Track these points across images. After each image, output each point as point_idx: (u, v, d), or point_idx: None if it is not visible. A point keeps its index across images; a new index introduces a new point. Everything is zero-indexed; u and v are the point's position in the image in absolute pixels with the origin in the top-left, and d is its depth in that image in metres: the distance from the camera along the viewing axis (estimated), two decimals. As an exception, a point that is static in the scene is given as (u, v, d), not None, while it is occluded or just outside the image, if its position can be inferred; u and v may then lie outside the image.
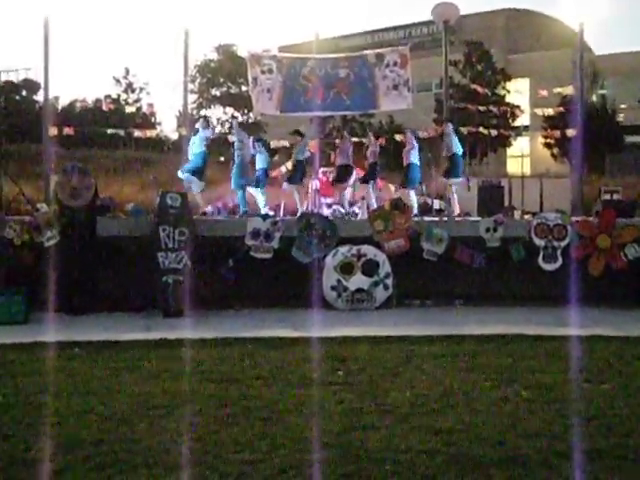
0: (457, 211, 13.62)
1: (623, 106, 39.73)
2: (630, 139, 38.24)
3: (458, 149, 13.68)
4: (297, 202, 13.76)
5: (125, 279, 11.35)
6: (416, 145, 14.03)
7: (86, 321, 10.23)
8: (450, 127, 13.90)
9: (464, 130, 16.22)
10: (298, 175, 13.78)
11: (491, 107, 26.43)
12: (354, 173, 14.37)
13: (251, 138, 14.06)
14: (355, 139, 18.54)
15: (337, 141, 14.72)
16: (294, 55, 15.99)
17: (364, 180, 14.39)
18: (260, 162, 13.76)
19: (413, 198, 13.83)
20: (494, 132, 20.40)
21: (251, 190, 13.69)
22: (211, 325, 9.85)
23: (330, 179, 14.54)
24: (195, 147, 13.23)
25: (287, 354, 7.86)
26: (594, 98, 38.66)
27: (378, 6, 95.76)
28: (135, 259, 11.23)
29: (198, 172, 13.15)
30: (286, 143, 14.39)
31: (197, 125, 13.43)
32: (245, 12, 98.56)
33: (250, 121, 44.50)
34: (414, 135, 14.41)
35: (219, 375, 6.86)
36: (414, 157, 13.83)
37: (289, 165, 15.54)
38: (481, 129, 18.26)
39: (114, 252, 11.30)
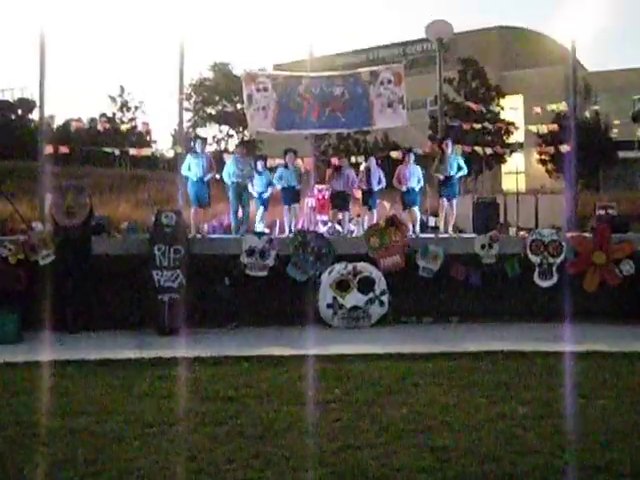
0: (442, 228, 13.54)
1: (616, 122, 40.01)
2: (623, 154, 38.46)
3: (454, 170, 13.59)
4: (285, 221, 13.71)
5: (120, 297, 11.33)
6: (415, 167, 13.86)
7: (81, 340, 10.18)
8: (450, 146, 13.78)
9: (459, 148, 16.16)
10: (285, 199, 13.72)
11: (485, 124, 26.50)
12: (351, 201, 14.27)
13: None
14: (351, 158, 18.57)
15: (336, 161, 14.55)
16: (289, 73, 16.03)
17: (367, 204, 14.17)
18: (261, 184, 13.69)
19: (417, 215, 13.73)
20: (489, 150, 20.42)
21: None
22: (206, 343, 9.82)
23: (326, 197, 14.50)
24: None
25: (283, 372, 7.84)
26: (587, 114, 38.90)
27: (373, 24, 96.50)
28: (130, 277, 11.21)
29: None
30: (282, 161, 14.36)
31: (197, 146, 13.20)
32: (240, 30, 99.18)
33: (245, 139, 44.58)
34: (414, 154, 14.23)
35: (214, 394, 6.83)
36: (413, 181, 13.66)
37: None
38: (476, 148, 18.26)
39: (109, 271, 11.28)
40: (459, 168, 13.49)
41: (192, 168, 12.88)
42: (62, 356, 8.73)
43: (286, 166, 13.79)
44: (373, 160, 14.39)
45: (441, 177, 13.37)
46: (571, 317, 10.79)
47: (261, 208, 13.77)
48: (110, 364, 8.34)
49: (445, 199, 13.41)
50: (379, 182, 13.97)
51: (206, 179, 12.89)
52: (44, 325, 10.29)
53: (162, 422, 5.93)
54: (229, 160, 13.84)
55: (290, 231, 13.17)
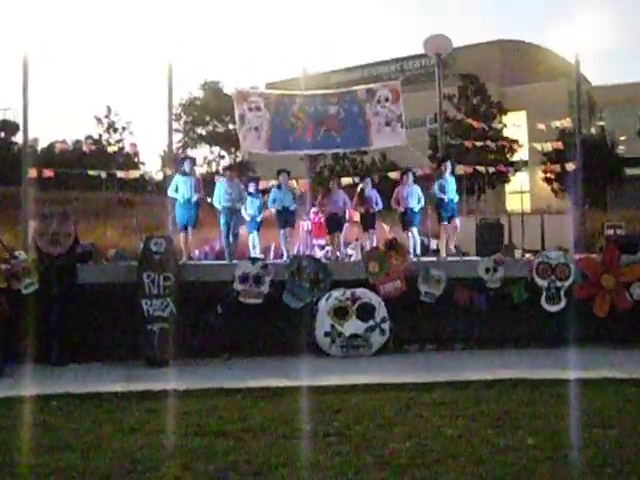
0: (443, 252, 13.61)
1: (622, 138, 40.22)
2: (630, 171, 38.59)
3: (452, 193, 13.71)
4: (283, 245, 13.74)
5: (107, 328, 11.29)
6: (414, 187, 13.95)
7: (66, 372, 10.14)
8: (449, 167, 13.89)
9: (461, 169, 16.21)
10: (280, 222, 13.74)
11: (488, 142, 26.67)
12: (345, 222, 14.29)
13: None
14: (348, 179, 18.63)
15: (330, 185, 14.59)
16: (282, 92, 16.13)
17: (365, 227, 14.21)
18: (253, 207, 13.74)
19: (416, 237, 13.79)
20: (492, 169, 20.53)
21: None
22: (198, 375, 9.79)
23: (322, 220, 14.53)
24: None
25: (278, 405, 7.81)
26: (593, 130, 39.15)
27: (368, 39, 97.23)
28: (118, 307, 11.19)
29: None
30: (275, 182, 14.41)
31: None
32: (231, 48, 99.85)
33: (238, 160, 44.80)
34: (412, 174, 14.35)
35: (206, 428, 6.80)
36: (412, 201, 13.74)
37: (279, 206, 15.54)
38: (478, 167, 18.37)
39: (96, 300, 11.26)
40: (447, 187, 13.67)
41: (180, 189, 12.96)
42: (46, 390, 8.68)
43: (279, 187, 13.84)
44: (368, 181, 14.46)
45: (445, 199, 13.47)
46: (580, 343, 10.81)
47: (254, 232, 13.80)
48: (97, 398, 8.30)
49: (446, 222, 13.54)
50: (376, 204, 14.04)
51: (194, 199, 12.93)
52: (27, 357, 10.25)
53: (151, 458, 5.89)
54: (218, 184, 13.90)
55: (288, 256, 13.19)
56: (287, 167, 14.46)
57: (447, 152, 18.02)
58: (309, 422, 6.93)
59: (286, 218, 13.68)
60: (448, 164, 13.95)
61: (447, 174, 13.78)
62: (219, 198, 13.35)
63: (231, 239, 13.24)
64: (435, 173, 14.61)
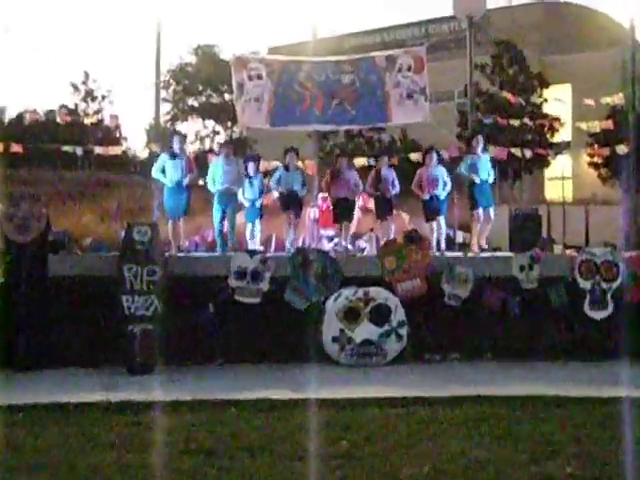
0: (475, 247, 13.52)
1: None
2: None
3: (485, 174, 13.62)
4: (287, 234, 13.74)
5: (83, 328, 11.32)
6: (440, 169, 13.90)
7: (33, 379, 10.19)
8: (481, 143, 13.83)
9: (493, 151, 16.16)
10: (285, 207, 13.73)
11: (525, 120, 26.66)
12: (356, 208, 14.26)
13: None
14: (362, 160, 18.59)
15: (336, 164, 14.56)
16: (287, 58, 16.09)
17: (380, 215, 14.17)
18: (253, 191, 13.75)
19: (443, 227, 13.73)
20: (529, 153, 20.51)
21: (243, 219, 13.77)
22: (187, 384, 9.83)
23: (330, 207, 14.52)
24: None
25: (279, 420, 7.84)
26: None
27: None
28: (95, 304, 11.22)
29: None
30: (278, 164, 14.43)
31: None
32: (228, 6, 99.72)
33: (235, 137, 44.83)
34: (437, 154, 14.26)
35: (196, 445, 6.83)
36: (437, 187, 13.66)
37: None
38: (513, 150, 18.35)
39: (69, 296, 11.30)
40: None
41: (168, 171, 12.93)
42: (10, 400, 8.72)
43: (287, 168, 13.83)
44: (385, 160, 14.42)
45: (476, 180, 13.37)
46: (630, 355, 10.80)
47: (255, 220, 13.78)
48: (69, 409, 8.34)
49: (480, 209, 13.41)
50: (393, 186, 13.99)
51: (185, 183, 12.93)
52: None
53: (132, 480, 5.93)
54: (213, 163, 13.90)
55: (292, 248, 13.21)
56: (292, 145, 14.46)
57: (478, 131, 17.94)
58: (313, 441, 6.97)
59: (292, 203, 13.65)
60: (480, 138, 13.88)
61: (479, 150, 13.70)
62: (214, 180, 13.35)
63: (226, 227, 13.25)
64: (464, 152, 14.57)
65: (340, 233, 13.98)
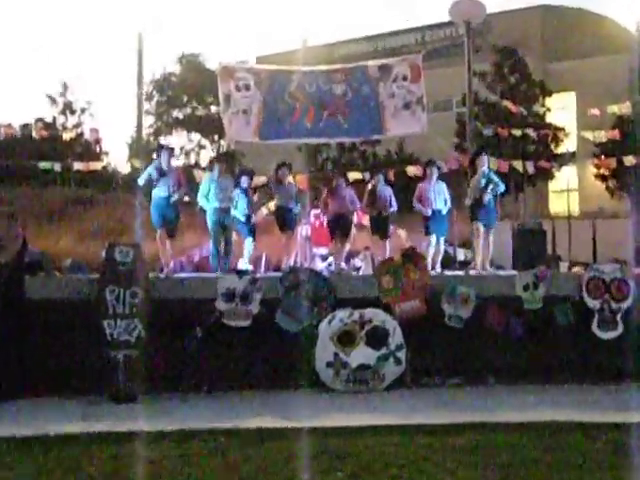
0: (478, 263, 13.55)
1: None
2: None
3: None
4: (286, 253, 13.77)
5: (62, 354, 11.30)
6: (440, 184, 13.94)
7: (9, 409, 10.13)
8: (486, 163, 13.88)
9: (494, 163, 16.20)
10: (279, 223, 13.79)
11: (528, 130, 26.72)
12: (352, 225, 14.29)
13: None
14: (356, 175, 18.65)
15: (332, 181, 14.58)
16: (277, 67, 16.16)
17: (377, 233, 14.20)
18: (247, 206, 13.78)
19: (441, 246, 13.78)
20: (531, 168, 20.54)
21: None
22: (172, 413, 9.81)
23: (324, 224, 14.57)
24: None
25: (271, 450, 7.82)
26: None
27: (382, 5, 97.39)
28: (75, 329, 11.20)
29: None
30: (265, 179, 14.47)
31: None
32: (214, 13, 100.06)
33: (222, 150, 44.91)
34: (437, 168, 14.30)
35: (183, 478, 6.81)
36: (439, 202, 13.71)
37: (271, 206, 15.61)
38: (515, 162, 18.40)
39: (47, 320, 11.28)
40: (489, 183, 13.52)
41: (157, 185, 12.92)
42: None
43: (280, 182, 13.88)
44: (381, 178, 14.49)
45: (486, 199, 13.40)
46: (640, 378, 10.83)
47: (249, 238, 13.81)
48: (48, 441, 8.30)
49: (482, 225, 13.45)
50: (390, 205, 14.05)
51: (173, 200, 12.92)
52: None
53: (115, 516, 5.91)
54: (206, 178, 13.91)
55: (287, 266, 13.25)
56: (283, 159, 14.50)
57: (481, 142, 18.04)
58: (307, 471, 6.95)
59: (286, 220, 13.71)
60: (484, 159, 13.92)
61: (484, 170, 13.74)
62: (206, 196, 13.35)
63: (222, 247, 13.26)
64: (465, 169, 14.62)
65: (334, 251, 14.03)
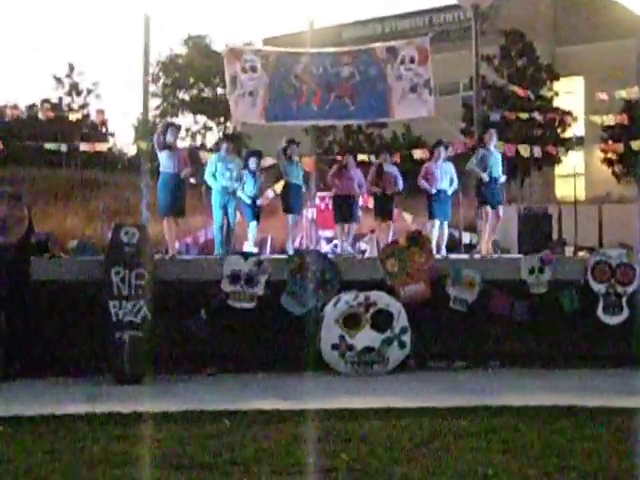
0: (484, 248, 13.52)
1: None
2: None
3: (498, 171, 13.59)
4: (289, 235, 13.73)
5: (67, 336, 11.34)
6: (447, 164, 13.87)
7: (14, 390, 10.17)
8: (494, 138, 13.80)
9: (501, 146, 16.14)
10: (289, 203, 13.73)
11: (535, 114, 26.60)
12: (358, 207, 14.23)
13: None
14: (363, 157, 18.60)
15: (339, 159, 14.51)
16: (283, 49, 16.11)
17: (381, 215, 14.12)
18: (254, 187, 13.72)
19: (445, 228, 13.73)
20: (537, 151, 20.44)
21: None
22: (177, 394, 9.82)
23: (329, 206, 14.52)
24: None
25: (275, 432, 7.81)
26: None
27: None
28: (80, 310, 11.23)
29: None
30: (272, 161, 14.41)
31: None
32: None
33: (228, 132, 44.80)
34: (445, 148, 14.19)
35: (186, 460, 6.81)
36: (444, 182, 13.64)
37: (277, 188, 15.56)
38: (521, 146, 18.31)
39: (53, 301, 11.30)
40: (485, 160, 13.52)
41: (162, 163, 12.83)
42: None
43: (290, 159, 13.82)
44: (387, 156, 14.41)
45: (485, 178, 13.35)
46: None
47: (253, 222, 13.76)
48: (53, 421, 8.31)
49: (489, 207, 13.39)
50: (396, 184, 13.97)
51: (182, 175, 12.80)
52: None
53: (120, 496, 5.92)
54: (212, 159, 13.84)
55: (292, 248, 13.23)
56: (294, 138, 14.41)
57: (486, 124, 17.94)
58: (312, 454, 6.94)
59: (297, 198, 13.67)
60: (493, 132, 13.85)
61: (492, 146, 13.68)
62: (213, 175, 13.27)
63: (227, 226, 13.23)
64: (477, 146, 14.53)
65: (340, 234, 13.96)
